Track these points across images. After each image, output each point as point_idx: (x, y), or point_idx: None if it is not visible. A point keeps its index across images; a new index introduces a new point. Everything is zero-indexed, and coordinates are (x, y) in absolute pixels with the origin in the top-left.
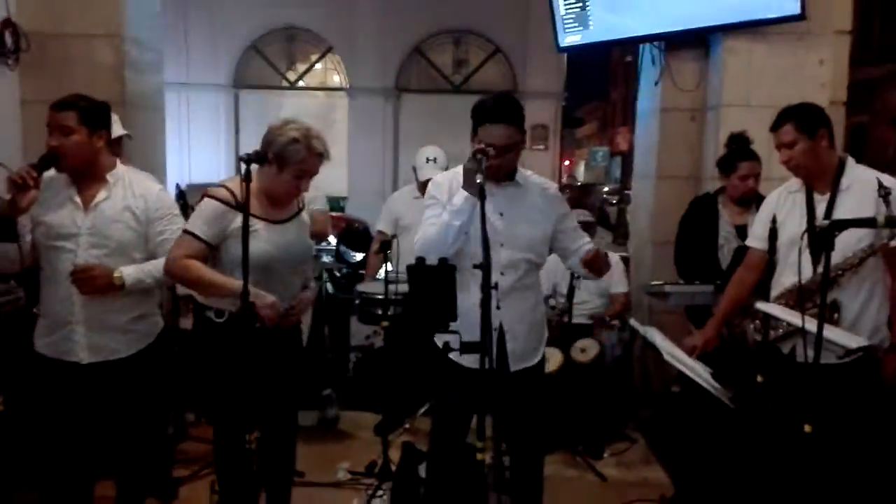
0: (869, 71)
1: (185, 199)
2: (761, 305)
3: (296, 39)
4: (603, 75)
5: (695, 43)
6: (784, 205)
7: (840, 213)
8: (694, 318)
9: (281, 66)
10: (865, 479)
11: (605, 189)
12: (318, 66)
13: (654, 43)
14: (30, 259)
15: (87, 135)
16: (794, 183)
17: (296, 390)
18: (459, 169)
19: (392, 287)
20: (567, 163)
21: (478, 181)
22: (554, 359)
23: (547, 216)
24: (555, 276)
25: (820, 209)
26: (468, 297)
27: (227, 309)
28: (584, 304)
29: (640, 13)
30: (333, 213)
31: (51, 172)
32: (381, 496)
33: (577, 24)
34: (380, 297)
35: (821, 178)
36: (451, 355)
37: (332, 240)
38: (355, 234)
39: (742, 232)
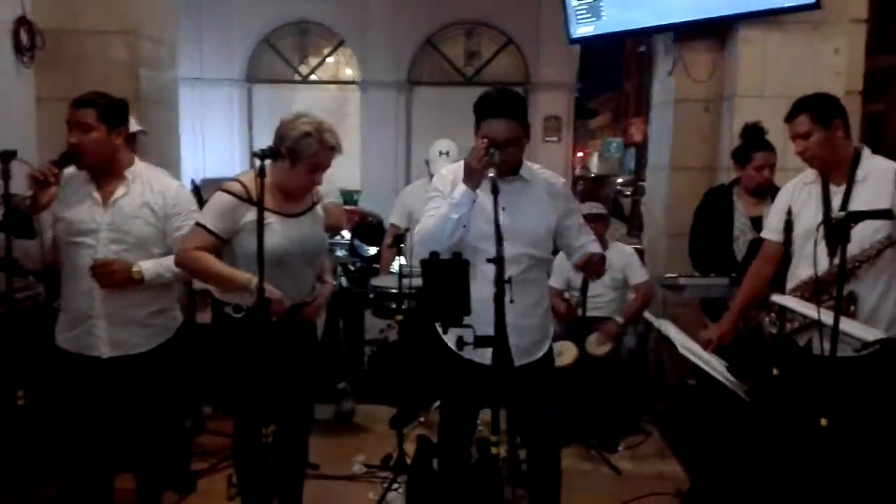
0: (885, 59)
1: (200, 195)
2: (777, 298)
3: (308, 33)
4: (616, 66)
5: (708, 33)
6: (799, 196)
7: (856, 204)
8: (709, 310)
9: (293, 59)
10: (882, 473)
11: (619, 180)
12: (331, 59)
13: (668, 33)
14: (50, 255)
15: (106, 132)
16: (810, 174)
17: (311, 384)
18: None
19: (406, 281)
20: (580, 154)
21: (490, 175)
22: (569, 352)
23: (551, 211)
24: (568, 271)
25: (836, 201)
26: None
27: (244, 304)
28: (599, 297)
29: (653, 3)
30: (347, 207)
31: (70, 169)
32: (396, 489)
33: (589, 15)
34: (394, 291)
35: (836, 168)
36: (464, 351)
37: (346, 234)
38: (369, 227)
39: (757, 223)
